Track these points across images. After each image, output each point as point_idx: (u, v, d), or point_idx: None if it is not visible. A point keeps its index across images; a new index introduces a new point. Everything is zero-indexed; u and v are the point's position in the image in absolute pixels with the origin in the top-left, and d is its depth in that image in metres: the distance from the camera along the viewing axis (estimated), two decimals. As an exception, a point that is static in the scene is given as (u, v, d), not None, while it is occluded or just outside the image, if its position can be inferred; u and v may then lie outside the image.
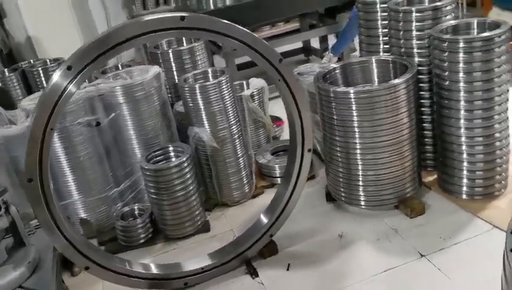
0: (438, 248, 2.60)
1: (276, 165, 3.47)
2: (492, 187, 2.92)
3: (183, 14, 2.18)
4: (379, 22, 3.30)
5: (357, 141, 2.85)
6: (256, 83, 3.75)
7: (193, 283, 2.67)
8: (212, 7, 5.00)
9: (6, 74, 4.33)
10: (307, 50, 6.14)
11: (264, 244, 2.77)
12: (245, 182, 3.37)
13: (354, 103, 2.76)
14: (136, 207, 3.22)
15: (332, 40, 5.65)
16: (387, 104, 2.73)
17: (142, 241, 3.09)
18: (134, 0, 6.94)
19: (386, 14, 3.23)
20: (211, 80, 3.29)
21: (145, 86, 3.08)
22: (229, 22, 2.28)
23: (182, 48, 3.80)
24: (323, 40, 5.53)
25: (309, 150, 2.66)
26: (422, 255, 2.58)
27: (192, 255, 2.86)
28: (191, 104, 3.15)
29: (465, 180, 2.94)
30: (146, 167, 2.97)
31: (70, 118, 2.96)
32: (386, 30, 3.27)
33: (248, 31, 2.32)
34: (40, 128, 2.10)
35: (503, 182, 2.93)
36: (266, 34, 6.03)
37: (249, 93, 3.58)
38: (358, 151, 2.88)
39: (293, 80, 2.49)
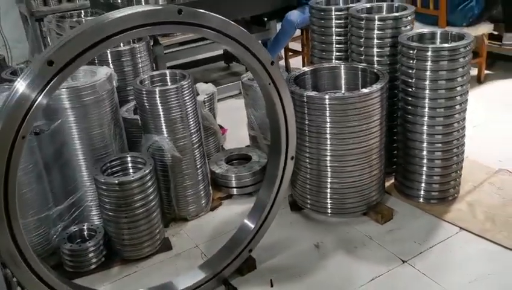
0: (416, 253, 2.64)
1: (233, 175, 3.29)
2: (447, 192, 3.06)
3: (180, 7, 1.94)
4: (333, 29, 3.31)
5: (328, 147, 2.80)
6: (206, 88, 3.53)
7: (170, 310, 2.38)
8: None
9: None
10: (228, 57, 6.01)
11: (243, 260, 2.58)
12: (203, 194, 3.13)
13: (328, 109, 2.71)
14: (85, 227, 2.80)
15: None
16: (360, 111, 2.72)
17: (93, 266, 2.69)
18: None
19: (341, 21, 3.27)
20: (169, 83, 3.01)
21: (98, 89, 2.70)
22: (227, 20, 2.08)
23: (121, 48, 3.44)
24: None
25: (292, 158, 2.54)
26: (403, 261, 2.60)
27: (159, 277, 2.56)
28: (148, 110, 2.84)
29: (423, 185, 3.06)
30: (103, 180, 2.59)
31: (7, 126, 2.47)
32: (340, 37, 3.31)
33: (244, 30, 2.14)
34: (7, 136, 1.70)
35: (457, 187, 3.10)
36: (178, 39, 5.81)
37: (202, 99, 3.35)
38: (328, 158, 2.83)
39: (283, 84, 2.35)
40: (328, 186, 2.90)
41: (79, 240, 2.77)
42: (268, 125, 3.39)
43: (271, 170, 2.57)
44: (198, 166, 3.05)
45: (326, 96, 2.69)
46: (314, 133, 2.79)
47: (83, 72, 2.91)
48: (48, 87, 1.74)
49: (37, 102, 1.73)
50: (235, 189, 3.31)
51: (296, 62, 5.74)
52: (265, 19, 5.11)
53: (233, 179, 3.29)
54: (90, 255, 2.67)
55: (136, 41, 3.59)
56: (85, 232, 2.80)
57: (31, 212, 2.70)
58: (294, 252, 2.76)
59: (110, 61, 3.39)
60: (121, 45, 3.50)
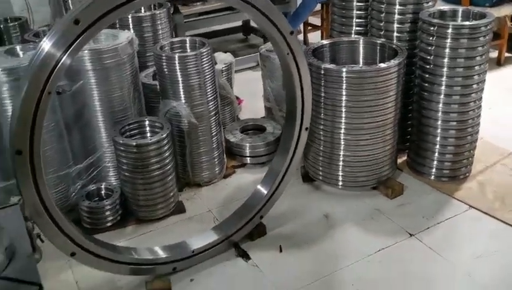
0: (424, 227, 2.69)
1: (248, 144, 3.34)
2: (459, 170, 3.09)
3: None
4: (354, 3, 3.30)
5: (343, 120, 2.84)
6: (225, 57, 3.56)
7: (182, 267, 2.47)
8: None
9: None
10: (246, 29, 6.00)
11: (254, 226, 2.65)
12: (217, 161, 3.20)
13: (345, 82, 2.73)
14: (103, 186, 2.89)
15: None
16: (377, 86, 2.74)
17: (109, 224, 2.79)
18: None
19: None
20: (189, 50, 3.04)
21: (120, 52, 2.75)
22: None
23: (142, 14, 3.47)
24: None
25: (306, 129, 2.58)
26: (411, 235, 2.65)
27: (172, 238, 2.64)
28: (167, 76, 2.89)
29: (435, 162, 3.08)
30: (121, 142, 2.67)
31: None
32: (361, 12, 3.30)
33: None
34: (35, 90, 1.77)
35: (469, 166, 3.12)
36: (197, 9, 5.78)
37: (220, 68, 3.39)
38: (342, 131, 2.87)
39: (301, 54, 2.38)
40: (341, 159, 2.94)
41: (96, 199, 2.86)
42: (283, 98, 3.46)
43: (285, 140, 2.62)
44: (213, 134, 3.11)
45: (344, 69, 2.71)
46: (330, 106, 2.82)
47: (104, 36, 2.96)
48: (73, 46, 1.79)
49: (62, 60, 1.79)
50: (248, 158, 3.37)
51: (314, 37, 5.72)
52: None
53: (248, 148, 3.35)
54: (107, 213, 2.77)
55: (157, 7, 3.61)
56: (102, 192, 2.90)
57: (51, 169, 2.80)
58: (304, 221, 2.82)
59: (131, 26, 3.43)
60: (142, 10, 3.54)
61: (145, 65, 3.47)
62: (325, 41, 3.10)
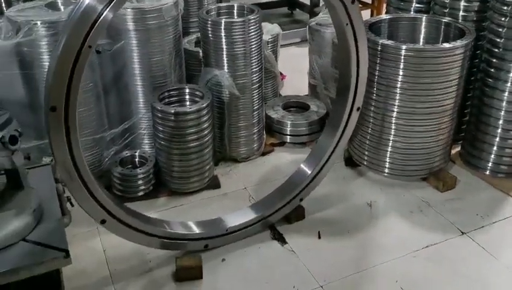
0: (477, 226, 2.48)
1: (289, 122, 3.16)
2: (517, 167, 2.83)
3: None
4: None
5: (396, 103, 2.63)
6: (271, 28, 3.37)
7: (214, 245, 2.34)
8: None
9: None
10: (292, 3, 5.76)
11: (293, 208, 2.49)
12: (256, 137, 3.04)
13: (403, 60, 2.51)
14: (137, 154, 2.78)
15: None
16: (438, 67, 2.51)
17: (140, 193, 2.68)
18: None
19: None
20: (236, 17, 2.86)
21: (164, 13, 2.59)
22: None
23: (188, -24, 3.30)
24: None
25: (358, 109, 2.38)
26: (463, 233, 2.44)
27: (205, 214, 2.51)
28: (211, 42, 2.72)
29: (492, 156, 2.83)
30: (159, 108, 2.53)
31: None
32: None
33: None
34: (75, 42, 1.63)
35: (529, 163, 2.86)
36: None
37: (266, 39, 3.20)
38: (394, 114, 2.66)
39: (362, 26, 2.17)
40: (390, 144, 2.73)
41: (130, 166, 2.75)
42: (331, 75, 3.26)
43: (334, 119, 2.43)
44: (255, 107, 2.94)
45: (404, 47, 2.48)
46: (384, 86, 2.61)
47: (149, -3, 2.81)
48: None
49: (104, 14, 1.64)
50: (289, 136, 3.19)
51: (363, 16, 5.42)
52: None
53: (289, 126, 3.17)
54: (139, 181, 2.65)
55: (204, -30, 3.43)
56: (136, 159, 2.78)
57: (86, 131, 2.69)
58: (345, 207, 2.65)
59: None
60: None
61: (188, 31, 3.30)
62: (383, 16, 2.86)
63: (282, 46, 4.27)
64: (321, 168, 2.47)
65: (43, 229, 1.90)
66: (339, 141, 2.44)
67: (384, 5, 3.21)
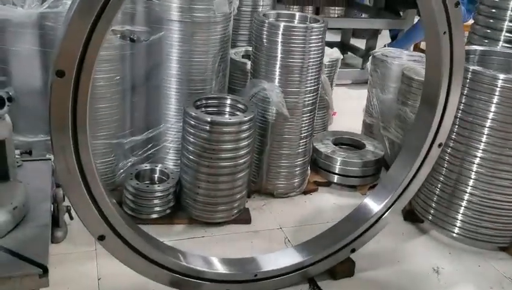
0: None
1: (340, 159, 2.68)
2: None
3: None
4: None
5: (481, 146, 2.12)
6: (331, 52, 2.96)
7: (237, 293, 1.82)
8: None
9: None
10: (344, 46, 5.41)
11: (340, 260, 1.96)
12: (298, 171, 2.55)
13: (498, 93, 2.03)
14: (157, 168, 2.32)
15: (383, 40, 4.99)
16: (543, 108, 2.01)
17: (155, 215, 2.20)
18: None
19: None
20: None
21: (215, 7, 2.20)
22: None
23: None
24: (373, 36, 4.79)
25: (440, 145, 1.89)
26: (563, 325, 1.85)
27: (229, 252, 2.02)
28: (264, 48, 2.31)
29: None
30: (193, 114, 2.09)
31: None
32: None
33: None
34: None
35: None
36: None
37: (325, 61, 2.78)
38: (476, 160, 2.15)
39: (461, 37, 1.72)
40: (465, 198, 2.21)
41: (147, 182, 2.29)
42: (394, 113, 2.79)
43: (407, 153, 1.94)
44: (303, 134, 2.48)
45: (501, 76, 2.01)
46: (468, 124, 2.12)
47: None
48: None
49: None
50: (337, 176, 2.70)
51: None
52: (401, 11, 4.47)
53: (339, 164, 2.68)
54: (156, 201, 2.18)
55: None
56: (156, 175, 2.33)
57: (102, 133, 2.28)
58: (404, 270, 2.10)
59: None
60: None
61: (235, 44, 2.92)
62: (474, 47, 2.40)
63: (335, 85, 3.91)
64: (382, 215, 1.95)
65: (21, 234, 1.44)
66: (409, 183, 1.93)
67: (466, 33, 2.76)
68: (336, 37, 5.51)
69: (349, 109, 3.62)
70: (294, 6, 5.93)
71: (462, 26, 1.71)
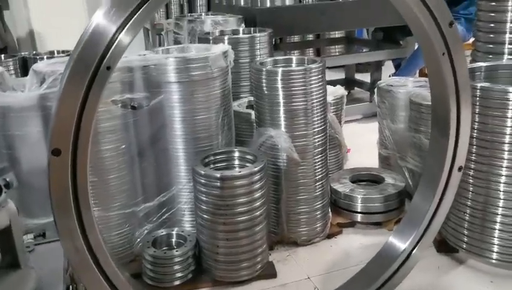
0: None
1: (360, 197, 2.58)
2: None
3: None
4: (509, 13, 2.55)
5: (504, 164, 2.03)
6: (334, 90, 2.93)
7: None
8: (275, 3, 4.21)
9: (2, 58, 3.41)
10: (350, 82, 5.41)
11: (375, 304, 1.84)
12: (319, 215, 2.47)
13: (511, 106, 1.95)
14: (174, 232, 2.26)
15: (388, 70, 4.97)
16: None
17: (177, 282, 2.12)
18: None
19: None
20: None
21: (210, 63, 2.21)
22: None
23: (239, 35, 2.99)
24: (377, 68, 4.77)
25: (460, 169, 1.80)
26: None
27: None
28: (265, 96, 2.29)
29: None
30: (202, 173, 2.05)
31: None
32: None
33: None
34: (86, 64, 1.21)
35: None
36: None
37: (330, 100, 2.75)
38: (502, 179, 2.04)
39: (461, 56, 1.67)
40: (497, 220, 2.09)
41: (165, 248, 2.23)
42: (408, 141, 2.72)
43: (427, 183, 1.85)
44: (318, 177, 2.41)
45: (511, 89, 1.94)
46: (487, 142, 2.03)
47: (196, 49, 2.47)
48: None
49: (118, 38, 1.23)
50: (360, 215, 2.60)
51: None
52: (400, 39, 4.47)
53: (360, 202, 2.58)
54: (176, 267, 2.11)
55: (258, 31, 3.13)
56: (173, 239, 2.26)
57: (115, 204, 2.24)
58: (447, 306, 1.96)
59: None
60: (241, 32, 3.06)
61: (238, 96, 2.92)
62: (478, 64, 2.34)
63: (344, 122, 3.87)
64: (412, 249, 1.84)
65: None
66: (435, 213, 1.83)
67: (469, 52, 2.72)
68: (341, 74, 5.52)
69: (363, 143, 3.55)
70: (295, 51, 6.01)
71: (461, 45, 1.67)
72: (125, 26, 1.25)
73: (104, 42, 1.23)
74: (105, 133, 2.11)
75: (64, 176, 1.27)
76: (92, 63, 1.23)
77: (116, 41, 1.25)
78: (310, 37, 5.72)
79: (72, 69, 1.22)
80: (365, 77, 5.26)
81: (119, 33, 1.25)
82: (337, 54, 5.74)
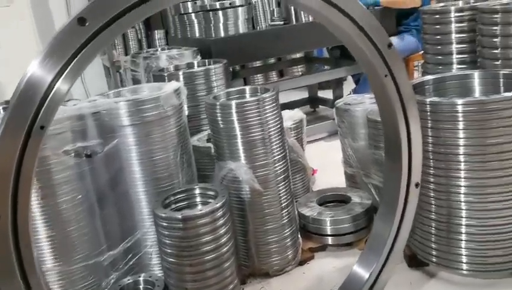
0: None
1: (328, 219, 2.57)
2: None
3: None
4: (452, 25, 2.64)
5: (462, 175, 2.05)
6: (293, 114, 2.94)
7: None
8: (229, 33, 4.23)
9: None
10: (313, 100, 5.46)
11: (350, 330, 1.82)
12: (289, 242, 2.44)
13: (462, 119, 1.99)
14: (141, 279, 2.20)
15: (350, 85, 5.03)
16: (508, 122, 1.96)
17: (149, 331, 2.06)
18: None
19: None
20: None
21: (162, 103, 2.19)
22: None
23: (194, 69, 2.99)
24: (338, 85, 4.83)
25: (417, 185, 1.82)
26: None
27: None
28: (222, 130, 2.28)
29: None
30: (163, 215, 2.01)
31: (53, 144, 2.01)
32: (463, 34, 2.64)
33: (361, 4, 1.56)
34: (19, 126, 1.18)
35: None
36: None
37: (288, 125, 2.75)
38: (462, 190, 2.07)
39: (404, 74, 1.69)
40: (462, 231, 2.10)
41: (133, 296, 2.17)
42: (370, 158, 2.73)
43: (387, 204, 1.86)
44: (283, 204, 2.39)
45: (460, 102, 1.97)
46: (441, 155, 2.06)
47: (148, 89, 2.45)
48: (78, 57, 1.22)
49: (56, 87, 1.21)
50: (330, 237, 2.58)
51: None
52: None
53: (329, 224, 2.57)
54: (146, 315, 2.05)
55: (212, 62, 3.13)
56: (141, 286, 2.20)
57: (77, 257, 2.17)
58: (422, 323, 1.95)
59: (182, 84, 2.94)
60: (195, 65, 3.06)
61: (198, 129, 2.91)
62: (426, 77, 2.39)
63: (309, 142, 3.87)
64: (380, 271, 1.83)
65: None
66: (398, 232, 1.83)
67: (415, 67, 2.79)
68: (304, 94, 5.57)
69: (329, 162, 3.55)
70: (258, 75, 6.05)
71: (402, 65, 1.70)
72: (62, 74, 1.22)
73: (41, 92, 1.20)
74: (60, 185, 2.06)
75: (6, 241, 1.22)
76: (25, 122, 1.20)
77: (53, 91, 1.22)
78: (272, 60, 5.79)
79: (4, 130, 1.19)
80: (328, 94, 5.32)
81: (56, 81, 1.22)
82: (300, 73, 5.81)
